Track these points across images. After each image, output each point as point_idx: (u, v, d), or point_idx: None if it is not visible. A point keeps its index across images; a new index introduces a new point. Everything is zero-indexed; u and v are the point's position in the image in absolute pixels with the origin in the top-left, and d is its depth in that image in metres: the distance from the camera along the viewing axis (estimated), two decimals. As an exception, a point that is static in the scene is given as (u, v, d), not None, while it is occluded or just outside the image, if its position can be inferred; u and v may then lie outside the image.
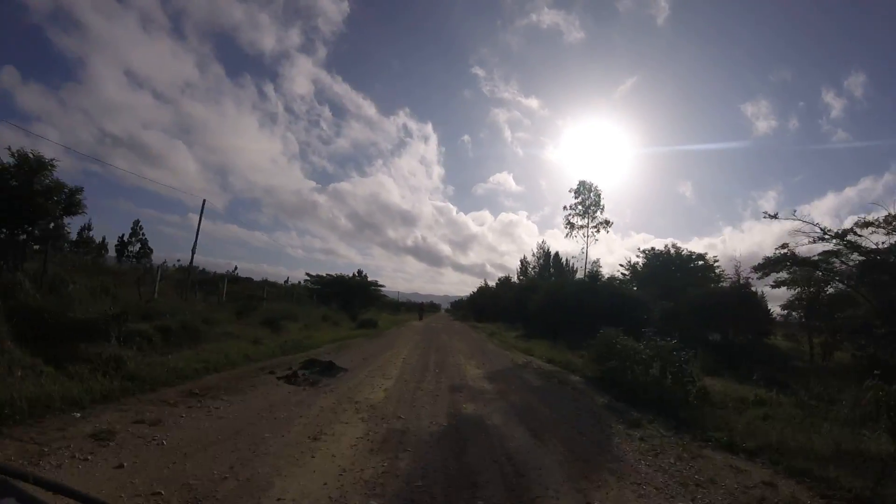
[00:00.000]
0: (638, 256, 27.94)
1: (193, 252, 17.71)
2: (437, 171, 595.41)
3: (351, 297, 28.37)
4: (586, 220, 36.10)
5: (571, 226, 36.32)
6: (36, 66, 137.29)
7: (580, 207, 36.66)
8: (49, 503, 0.97)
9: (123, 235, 34.53)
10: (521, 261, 55.57)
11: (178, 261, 35.37)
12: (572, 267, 53.86)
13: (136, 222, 34.86)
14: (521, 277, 56.61)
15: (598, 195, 36.59)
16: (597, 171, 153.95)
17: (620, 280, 26.50)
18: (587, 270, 32.10)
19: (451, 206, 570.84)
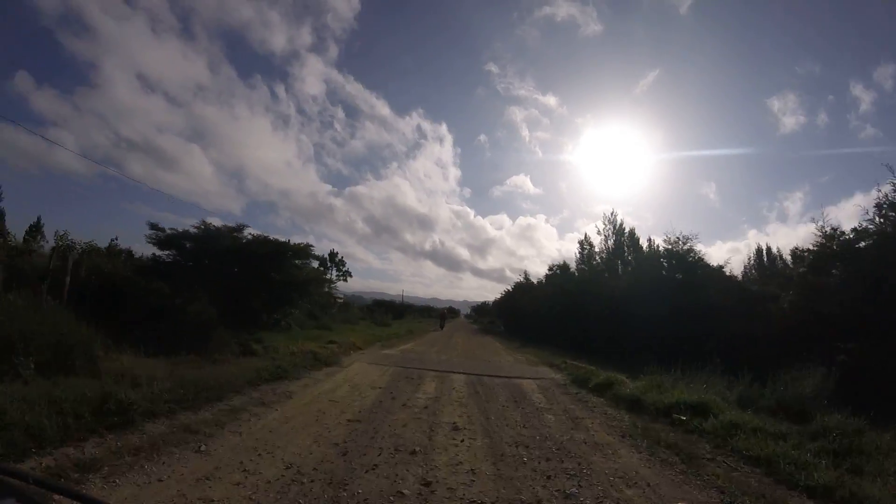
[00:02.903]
0: None
1: None
2: (454, 173, 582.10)
3: (244, 284, 10.97)
4: None
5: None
6: (49, 71, 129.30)
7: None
8: (49, 503, 0.97)
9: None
10: (582, 242, 36.92)
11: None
12: (656, 247, 35.14)
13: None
14: (583, 266, 38.20)
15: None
16: (616, 172, 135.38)
17: None
18: None
19: (469, 209, 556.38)
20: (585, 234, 36.96)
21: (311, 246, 14.92)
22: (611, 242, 35.18)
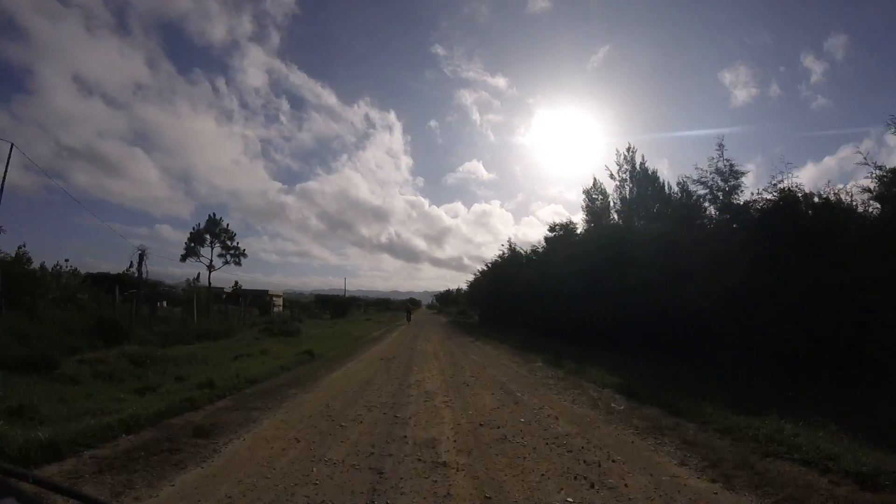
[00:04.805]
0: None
1: None
2: (406, 161, 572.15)
3: None
4: None
5: None
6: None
7: None
8: (49, 503, 0.78)
9: None
10: (589, 191, 27.88)
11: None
12: (690, 193, 27.12)
13: None
14: (589, 221, 30.01)
15: None
16: (570, 153, 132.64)
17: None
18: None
19: (423, 198, 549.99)
20: (594, 180, 27.45)
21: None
22: (626, 190, 26.95)
